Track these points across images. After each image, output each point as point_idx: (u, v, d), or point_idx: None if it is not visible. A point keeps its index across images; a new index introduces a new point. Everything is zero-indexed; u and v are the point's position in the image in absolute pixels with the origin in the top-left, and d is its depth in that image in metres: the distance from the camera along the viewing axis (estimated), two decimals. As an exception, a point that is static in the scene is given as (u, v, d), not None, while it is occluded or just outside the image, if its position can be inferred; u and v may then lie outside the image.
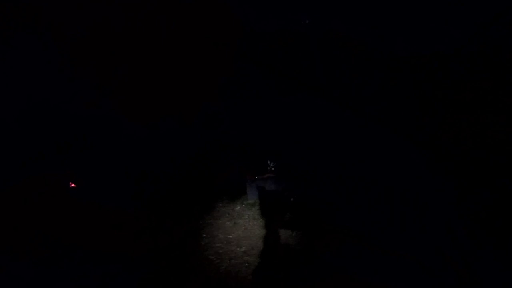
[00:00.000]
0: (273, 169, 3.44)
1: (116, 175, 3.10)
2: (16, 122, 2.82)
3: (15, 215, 2.77)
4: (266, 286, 2.43)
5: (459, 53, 3.22)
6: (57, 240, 2.64)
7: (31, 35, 2.57)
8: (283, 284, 2.43)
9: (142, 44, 2.79)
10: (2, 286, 2.27)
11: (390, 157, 3.42)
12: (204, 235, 3.03)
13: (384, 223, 3.04)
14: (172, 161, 3.13)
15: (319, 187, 3.53)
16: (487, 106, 3.24)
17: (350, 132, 3.53)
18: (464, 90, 3.31)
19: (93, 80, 2.75)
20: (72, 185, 3.08)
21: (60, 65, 2.67)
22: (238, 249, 2.84)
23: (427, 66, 3.42)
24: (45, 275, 2.40)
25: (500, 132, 3.11)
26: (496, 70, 3.29)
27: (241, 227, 3.20)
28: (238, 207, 3.62)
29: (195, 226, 3.05)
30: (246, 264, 2.62)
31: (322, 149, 3.48)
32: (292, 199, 3.59)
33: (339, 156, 3.55)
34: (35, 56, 2.67)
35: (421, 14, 3.17)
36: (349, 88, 3.44)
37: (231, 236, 3.04)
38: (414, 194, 3.34)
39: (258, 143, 3.39)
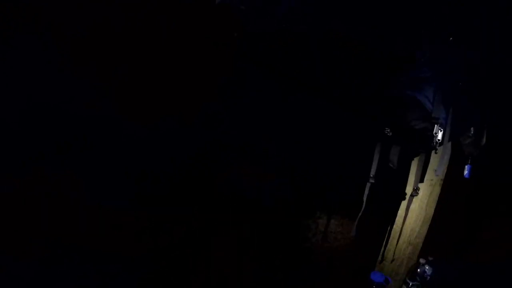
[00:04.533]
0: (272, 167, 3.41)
1: (116, 175, 3.09)
2: (16, 122, 2.82)
3: (15, 215, 2.76)
4: (265, 286, 2.43)
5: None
6: (57, 240, 2.63)
7: (31, 35, 2.57)
8: (283, 285, 2.43)
9: (142, 44, 2.79)
10: (2, 286, 2.27)
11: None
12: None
13: (384, 223, 3.03)
14: (172, 161, 3.12)
15: (319, 187, 3.53)
16: (487, 106, 3.24)
17: (350, 132, 3.53)
18: (464, 90, 3.30)
19: (93, 80, 2.75)
20: None
21: (60, 65, 2.67)
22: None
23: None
24: (45, 275, 2.39)
25: (500, 132, 3.11)
26: (496, 70, 3.28)
27: (241, 227, 3.19)
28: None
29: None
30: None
31: (322, 149, 3.48)
32: (289, 200, 3.58)
33: (339, 156, 3.55)
34: (35, 56, 2.67)
35: (421, 14, 3.17)
36: (349, 88, 3.44)
37: (231, 236, 3.04)
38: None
39: (258, 144, 3.38)
